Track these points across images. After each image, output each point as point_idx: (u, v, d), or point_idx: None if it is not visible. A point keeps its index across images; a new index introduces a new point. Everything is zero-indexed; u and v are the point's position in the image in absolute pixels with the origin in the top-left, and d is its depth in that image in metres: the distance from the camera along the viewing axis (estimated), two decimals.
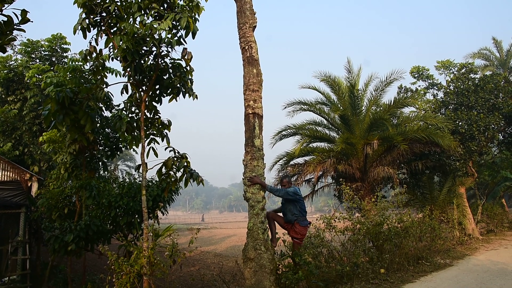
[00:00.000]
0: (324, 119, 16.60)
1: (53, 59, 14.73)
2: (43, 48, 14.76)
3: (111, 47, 6.85)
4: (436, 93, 19.88)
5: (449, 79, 18.27)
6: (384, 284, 8.15)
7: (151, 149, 7.15)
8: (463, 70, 18.90)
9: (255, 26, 7.46)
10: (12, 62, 14.45)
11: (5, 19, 3.89)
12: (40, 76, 12.57)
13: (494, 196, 25.18)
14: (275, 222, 7.15)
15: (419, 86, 23.16)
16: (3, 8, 3.83)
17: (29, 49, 14.49)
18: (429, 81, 23.13)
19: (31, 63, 14.08)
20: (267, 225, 6.70)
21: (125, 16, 6.76)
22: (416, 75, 23.41)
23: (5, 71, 13.98)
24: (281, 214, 7.31)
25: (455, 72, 21.98)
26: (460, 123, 15.57)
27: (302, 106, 16.25)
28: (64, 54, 15.10)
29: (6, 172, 11.83)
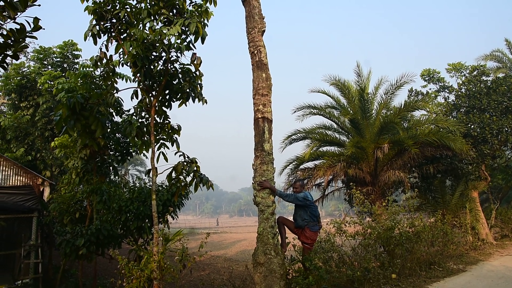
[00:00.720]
0: (334, 123, 16.54)
1: (65, 66, 14.95)
2: (55, 55, 14.99)
3: (121, 53, 6.93)
4: (448, 96, 19.71)
5: (461, 82, 18.07)
6: None
7: (161, 153, 7.18)
8: (475, 73, 18.68)
9: (264, 31, 7.48)
10: (25, 69, 14.71)
11: (18, 27, 3.95)
12: (52, 82, 12.76)
13: (508, 201, 24.79)
14: (285, 227, 7.12)
15: (430, 89, 22.93)
16: (15, 16, 3.88)
17: (41, 56, 14.73)
18: (440, 84, 22.89)
19: (43, 69, 14.32)
20: (277, 230, 6.67)
21: (135, 22, 6.84)
22: (426, 78, 23.18)
23: (18, 78, 14.24)
24: (291, 219, 7.28)
25: (467, 75, 21.72)
26: (472, 126, 15.38)
27: (311, 110, 16.20)
28: (76, 61, 15.32)
29: (19, 177, 12.00)
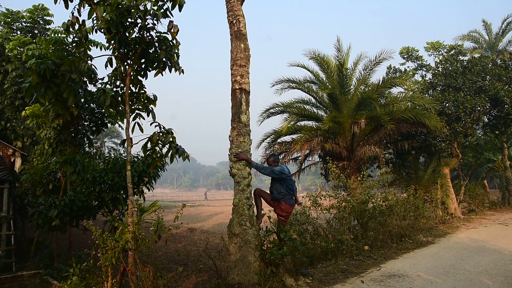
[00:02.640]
0: (312, 98, 16.57)
1: (35, 31, 14.24)
2: (24, 19, 14.22)
3: (94, 18, 6.61)
4: (425, 74, 19.95)
5: (438, 61, 18.31)
6: (367, 261, 8.31)
7: (136, 124, 7.02)
8: (452, 52, 18.97)
9: (243, 0, 7.29)
10: None
11: None
12: (22, 49, 12.17)
13: (477, 177, 25.77)
14: (262, 199, 7.16)
15: (408, 67, 23.20)
16: None
17: (9, 19, 13.93)
18: (418, 62, 23.16)
19: (11, 34, 13.59)
20: (253, 201, 6.71)
21: None
22: (405, 56, 23.42)
23: None
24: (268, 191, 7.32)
25: (444, 54, 22.03)
26: (447, 105, 15.70)
27: (290, 84, 16.15)
28: (47, 26, 14.60)
29: None
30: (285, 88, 16.25)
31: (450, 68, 16.56)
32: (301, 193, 11.34)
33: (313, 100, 16.60)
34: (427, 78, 18.77)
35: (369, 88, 15.79)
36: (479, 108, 15.81)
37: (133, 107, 7.09)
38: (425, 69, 22.24)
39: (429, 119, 13.76)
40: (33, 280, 8.51)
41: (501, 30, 26.66)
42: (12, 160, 11.91)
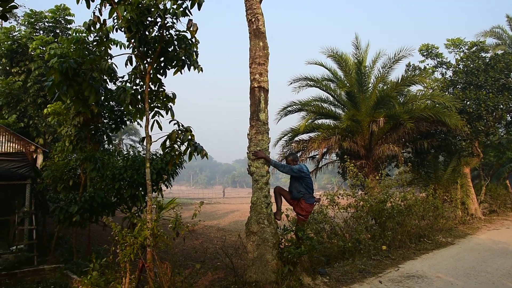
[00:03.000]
0: (330, 96, 16.45)
1: (57, 31, 14.55)
2: (47, 19, 14.55)
3: (115, 17, 6.70)
4: (445, 72, 19.56)
5: (459, 58, 17.93)
6: (385, 261, 8.22)
7: (155, 122, 7.09)
8: (474, 49, 18.51)
9: None
10: (16, 33, 14.29)
11: None
12: (44, 48, 12.43)
13: (499, 177, 25.14)
14: (282, 198, 7.13)
15: (428, 64, 22.73)
16: None
17: (32, 20, 14.29)
18: (438, 59, 22.69)
19: (34, 34, 13.91)
20: (271, 200, 6.70)
21: None
22: (425, 53, 22.92)
23: (8, 43, 13.84)
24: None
25: (465, 51, 21.54)
26: (468, 103, 15.37)
27: (308, 82, 16.07)
28: (68, 26, 14.90)
29: (11, 144, 11.86)
30: (303, 86, 16.18)
31: (472, 66, 16.19)
32: (317, 192, 11.27)
33: (331, 98, 16.48)
34: (447, 76, 18.42)
35: (388, 86, 15.58)
36: (501, 106, 15.42)
37: (152, 105, 7.16)
38: (445, 67, 21.78)
39: (449, 117, 13.50)
40: (54, 274, 8.70)
41: None
42: (34, 156, 12.17)
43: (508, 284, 6.44)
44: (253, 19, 7.03)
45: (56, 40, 12.74)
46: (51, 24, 14.58)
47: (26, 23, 14.47)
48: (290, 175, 6.94)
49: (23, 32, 14.25)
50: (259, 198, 6.45)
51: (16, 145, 11.94)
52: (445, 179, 15.86)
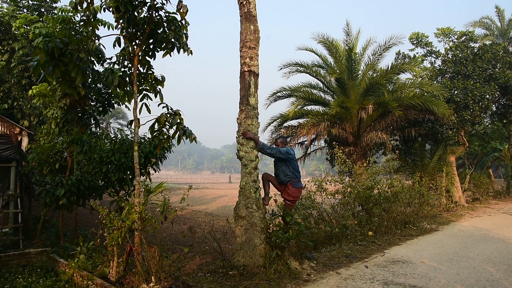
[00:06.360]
0: (320, 82, 16.45)
1: (42, 10, 14.12)
2: None
3: None
4: (434, 61, 19.72)
5: (448, 47, 18.03)
6: (371, 246, 8.34)
7: (143, 105, 6.99)
8: (463, 39, 18.65)
9: None
10: None
11: None
12: (28, 27, 12.09)
13: (482, 166, 25.66)
14: (270, 183, 7.13)
15: (418, 53, 22.86)
16: None
17: None
18: (428, 48, 22.80)
19: (18, 12, 13.48)
20: (259, 184, 6.70)
21: None
22: (415, 42, 23.03)
23: None
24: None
25: (455, 40, 21.69)
26: (455, 92, 15.53)
27: (298, 67, 16.01)
28: (54, 5, 14.48)
29: None
30: (293, 72, 16.13)
31: (460, 55, 16.31)
32: (305, 178, 11.33)
33: (321, 85, 16.48)
34: (436, 65, 18.55)
35: (378, 73, 15.61)
36: (488, 96, 15.63)
37: (140, 88, 7.05)
38: (434, 56, 21.94)
39: (437, 106, 13.62)
40: (40, 258, 8.61)
41: None
42: (19, 139, 11.97)
43: (488, 268, 6.60)
44: (244, 2, 6.92)
45: (41, 19, 12.39)
46: (35, 2, 14.14)
47: (8, 0, 14.02)
48: (278, 156, 6.86)
49: (5, 10, 13.79)
50: (247, 183, 6.44)
51: (0, 127, 11.71)
52: (431, 167, 16.10)
